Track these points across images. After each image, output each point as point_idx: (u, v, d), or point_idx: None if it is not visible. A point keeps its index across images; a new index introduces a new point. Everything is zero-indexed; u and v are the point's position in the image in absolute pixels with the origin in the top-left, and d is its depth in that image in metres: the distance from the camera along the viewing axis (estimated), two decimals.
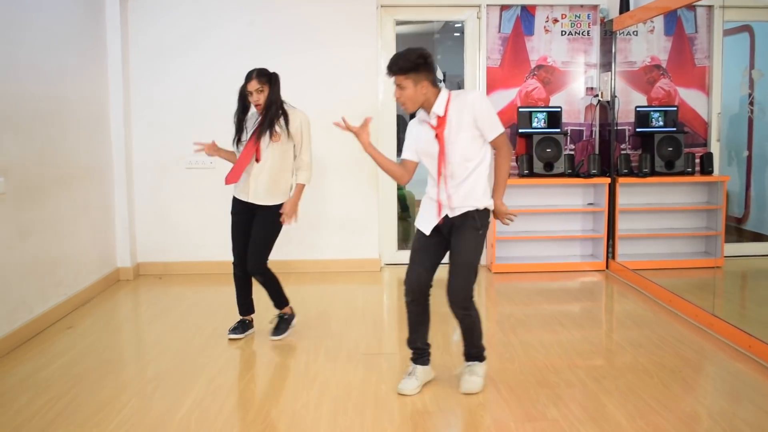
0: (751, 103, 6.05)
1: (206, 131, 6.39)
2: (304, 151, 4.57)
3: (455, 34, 7.15)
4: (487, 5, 6.57)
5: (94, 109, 5.90)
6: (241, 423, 3.37)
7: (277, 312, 4.77)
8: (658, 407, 3.47)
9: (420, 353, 3.84)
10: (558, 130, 6.54)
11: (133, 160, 6.43)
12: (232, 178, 4.49)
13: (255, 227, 4.51)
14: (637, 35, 6.61)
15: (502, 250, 6.61)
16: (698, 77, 6.58)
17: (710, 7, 6.43)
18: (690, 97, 6.59)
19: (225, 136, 6.35)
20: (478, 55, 6.66)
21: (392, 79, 3.58)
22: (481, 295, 5.97)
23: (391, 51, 6.61)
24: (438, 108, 3.55)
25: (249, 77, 4.43)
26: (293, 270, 6.41)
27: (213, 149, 4.62)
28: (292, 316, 4.80)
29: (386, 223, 6.77)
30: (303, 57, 6.42)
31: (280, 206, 4.52)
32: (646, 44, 6.62)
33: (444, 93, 3.58)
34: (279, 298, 4.72)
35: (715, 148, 6.45)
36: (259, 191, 4.48)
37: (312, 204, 6.49)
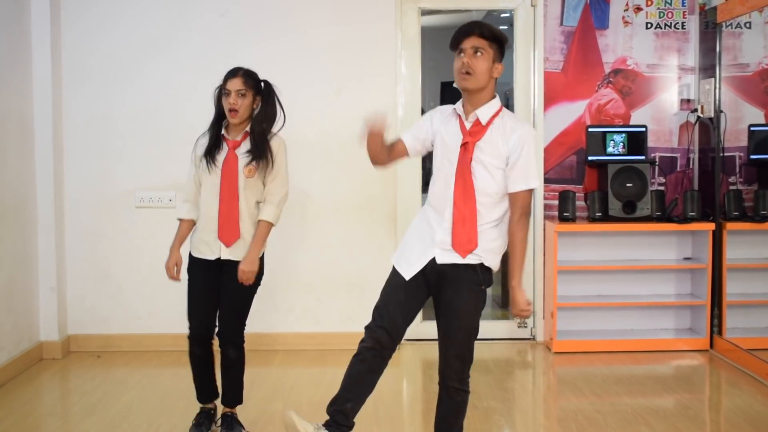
0: None
1: (164, 157, 6.45)
2: (278, 180, 4.56)
3: (502, 28, 7.15)
4: None
5: (12, 127, 5.93)
6: None
7: (225, 410, 4.71)
8: None
9: (342, 420, 3.83)
10: (642, 157, 6.53)
11: (65, 195, 6.45)
12: (232, 235, 4.48)
13: (230, 288, 4.50)
14: (750, 28, 6.61)
15: (566, 321, 6.56)
16: None
17: None
18: None
19: (187, 165, 6.39)
20: (533, 55, 6.68)
21: (465, 43, 3.63)
22: (536, 383, 5.91)
23: (415, 49, 6.64)
24: (484, 112, 3.64)
25: (233, 73, 4.47)
26: (280, 347, 6.37)
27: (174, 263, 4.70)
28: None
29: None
30: (298, 60, 6.44)
31: (260, 259, 4.53)
32: (763, 40, 6.63)
33: (497, 101, 3.70)
34: (240, 390, 4.71)
35: None
36: (237, 244, 4.49)
37: (306, 257, 6.46)
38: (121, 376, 5.91)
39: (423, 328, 6.70)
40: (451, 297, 3.69)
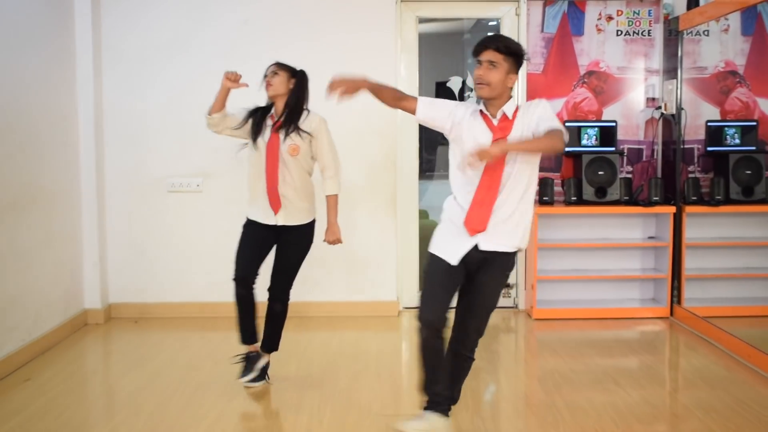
0: None
1: (191, 148, 6.49)
2: (328, 154, 4.72)
3: (489, 34, 7.20)
4: (528, 0, 6.64)
5: (60, 121, 5.96)
6: None
7: (252, 351, 4.81)
8: None
9: (439, 400, 3.82)
10: (612, 149, 6.55)
11: (106, 181, 6.48)
12: (275, 202, 4.60)
13: (285, 251, 4.69)
14: (708, 35, 6.63)
15: (545, 292, 6.61)
16: None
17: None
18: None
19: (215, 154, 6.46)
20: None
21: (482, 56, 3.63)
22: (519, 346, 5.97)
23: (413, 53, 6.67)
24: (509, 108, 3.68)
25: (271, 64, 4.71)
26: (293, 314, 6.35)
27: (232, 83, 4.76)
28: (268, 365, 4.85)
29: (406, 259, 6.77)
30: (307, 60, 6.43)
31: (310, 224, 4.72)
32: (719, 46, 6.64)
33: (514, 100, 3.75)
34: (277, 338, 4.82)
35: None
36: (289, 211, 4.62)
37: (317, 235, 6.51)
38: (155, 339, 5.96)
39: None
40: (483, 279, 3.71)
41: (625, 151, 6.75)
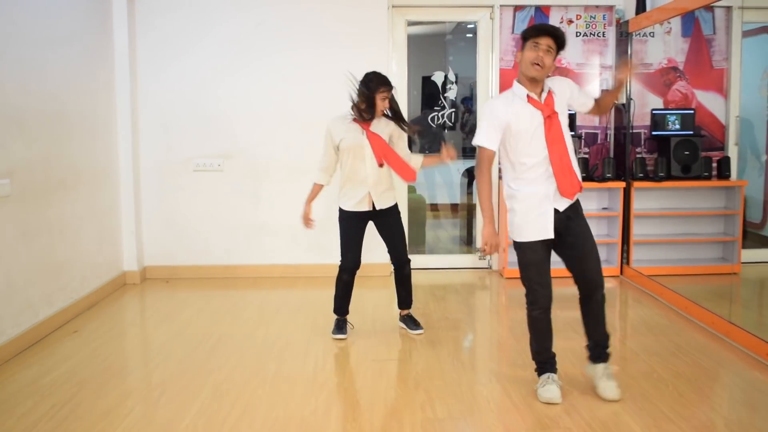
0: None
1: (213, 133, 6.47)
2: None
3: (468, 35, 7.14)
4: (501, 6, 6.57)
5: (100, 110, 5.93)
6: (248, 430, 3.37)
7: (405, 312, 4.96)
8: (673, 416, 3.45)
9: (554, 361, 3.80)
10: (572, 133, 6.47)
11: (140, 162, 6.46)
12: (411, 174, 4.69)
13: (393, 227, 4.75)
14: (653, 37, 6.60)
15: (514, 254, 6.55)
16: (716, 80, 6.56)
17: (729, 8, 6.40)
18: (707, 99, 6.57)
19: (234, 138, 6.44)
20: (491, 56, 6.66)
21: (541, 40, 3.51)
22: (492, 301, 5.97)
23: (403, 52, 6.63)
24: (549, 86, 3.63)
25: (386, 83, 4.55)
26: (302, 274, 6.43)
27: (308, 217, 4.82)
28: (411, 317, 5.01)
29: None
30: (312, 57, 6.43)
31: (396, 205, 4.76)
32: (662, 46, 6.60)
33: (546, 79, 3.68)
34: (412, 295, 4.96)
35: (732, 152, 6.42)
36: (384, 196, 4.67)
37: (321, 207, 6.50)
38: (183, 296, 5.96)
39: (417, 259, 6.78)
40: (578, 230, 3.70)
41: (583, 135, 6.74)
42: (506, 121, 3.56)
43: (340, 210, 4.72)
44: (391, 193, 4.71)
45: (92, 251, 5.70)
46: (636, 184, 6.38)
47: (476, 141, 3.61)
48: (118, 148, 6.25)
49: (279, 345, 4.67)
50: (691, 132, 6.42)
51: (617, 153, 6.66)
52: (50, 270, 5.00)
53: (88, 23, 5.72)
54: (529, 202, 3.62)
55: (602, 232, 6.75)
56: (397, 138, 4.69)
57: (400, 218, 4.79)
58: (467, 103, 7.09)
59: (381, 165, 4.57)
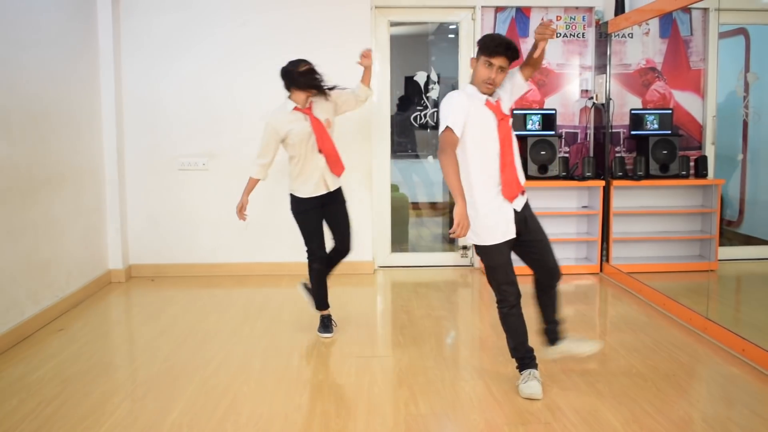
0: (746, 106, 6.08)
1: (198, 132, 6.45)
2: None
3: (450, 36, 7.16)
4: (482, 7, 6.59)
5: (85, 109, 5.89)
6: (233, 426, 3.38)
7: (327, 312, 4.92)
8: (652, 411, 3.49)
9: (532, 356, 3.84)
10: (552, 132, 6.55)
11: (125, 160, 6.42)
12: (337, 166, 4.70)
13: (340, 212, 4.73)
14: (632, 38, 6.64)
15: None
16: (693, 80, 6.61)
17: (706, 10, 6.46)
18: (685, 99, 6.62)
19: (219, 137, 6.42)
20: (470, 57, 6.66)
21: (496, 60, 3.56)
22: (474, 298, 5.99)
23: (386, 52, 6.63)
24: (499, 92, 3.69)
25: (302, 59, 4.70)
26: (285, 272, 6.42)
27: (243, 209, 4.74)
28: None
29: (380, 225, 6.78)
30: (298, 56, 6.41)
31: (341, 189, 4.76)
32: (641, 47, 6.65)
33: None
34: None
35: (709, 151, 6.48)
36: (333, 178, 4.69)
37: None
38: (169, 294, 5.94)
39: (392, 258, 6.80)
40: (533, 226, 3.77)
41: (563, 134, 6.77)
42: (468, 112, 3.56)
43: (297, 200, 4.63)
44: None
45: (77, 249, 5.67)
46: (615, 182, 6.41)
47: (446, 122, 3.51)
48: (103, 147, 6.21)
49: (264, 342, 4.67)
50: (669, 131, 6.47)
51: (597, 152, 6.70)
52: (36, 268, 4.97)
53: (73, 23, 5.69)
54: (491, 206, 3.65)
55: (582, 230, 6.79)
56: (342, 102, 4.81)
57: (346, 206, 4.79)
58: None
59: (320, 152, 4.57)
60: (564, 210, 6.73)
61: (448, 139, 3.50)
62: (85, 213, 5.82)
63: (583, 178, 6.47)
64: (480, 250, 3.73)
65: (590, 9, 6.68)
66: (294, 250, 6.49)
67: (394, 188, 7.20)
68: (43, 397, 3.72)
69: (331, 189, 4.64)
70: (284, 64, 4.69)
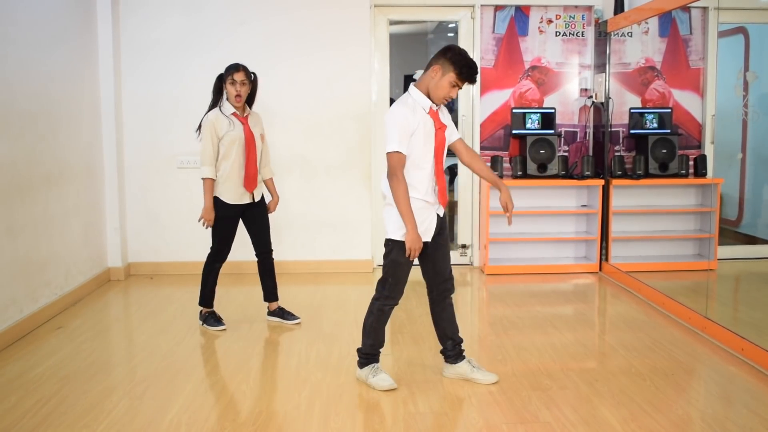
0: (746, 105, 6.08)
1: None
2: (267, 145, 4.94)
3: (449, 35, 7.17)
4: (481, 5, 6.59)
5: (85, 107, 5.88)
6: (232, 424, 3.37)
7: (275, 305, 5.06)
8: (650, 410, 3.48)
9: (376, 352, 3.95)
10: (552, 131, 6.55)
11: (124, 159, 6.41)
12: (255, 184, 4.77)
13: (263, 219, 4.86)
14: (631, 36, 6.64)
15: (495, 251, 6.63)
16: (692, 79, 6.61)
17: (705, 9, 6.46)
18: (684, 98, 6.62)
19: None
20: (472, 55, 6.64)
21: (462, 83, 3.65)
22: (473, 297, 5.99)
23: (385, 51, 6.63)
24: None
25: (237, 68, 4.61)
26: (285, 271, 6.40)
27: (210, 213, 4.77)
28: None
29: (379, 224, 6.76)
30: (296, 56, 6.42)
31: (263, 197, 4.92)
32: (640, 46, 6.65)
33: None
34: (276, 285, 5.12)
35: (709, 150, 6.48)
36: (259, 188, 4.83)
37: (304, 204, 6.50)
38: (167, 292, 5.93)
39: None
40: (443, 235, 3.79)
41: (563, 133, 6.76)
42: (414, 128, 3.59)
43: (221, 204, 4.69)
44: (262, 185, 4.87)
45: (76, 247, 5.66)
46: (614, 181, 6.41)
47: (392, 147, 3.55)
48: (102, 145, 6.20)
49: (262, 340, 4.67)
50: (669, 130, 6.47)
51: (596, 151, 6.69)
52: (34, 266, 4.96)
53: (73, 22, 5.68)
54: (418, 205, 3.64)
55: (581, 229, 6.79)
56: (264, 136, 4.88)
57: (267, 210, 4.92)
58: (449, 102, 7.10)
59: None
60: (563, 209, 6.72)
61: (398, 162, 3.56)
62: (84, 211, 5.82)
63: (583, 177, 6.47)
64: (394, 243, 3.69)
65: (589, 8, 6.67)
66: (291, 249, 6.52)
67: None
68: (42, 394, 3.72)
69: (257, 200, 4.83)
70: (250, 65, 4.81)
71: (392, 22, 6.76)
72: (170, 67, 6.40)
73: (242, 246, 6.60)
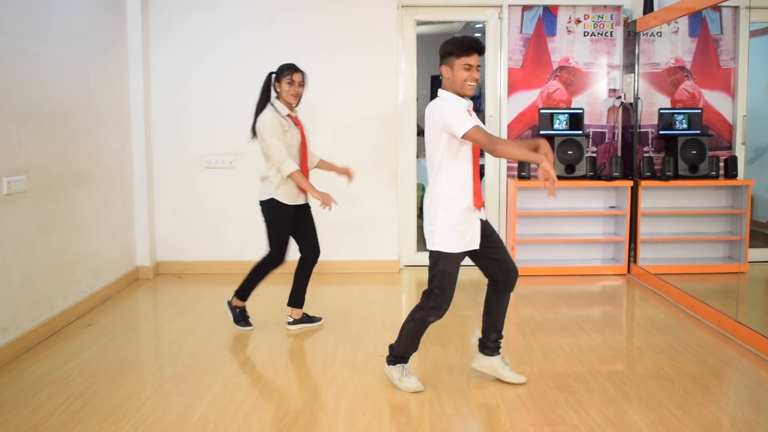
0: None
1: (225, 131, 6.49)
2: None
3: (476, 35, 7.13)
4: (509, 5, 6.57)
5: (115, 107, 5.95)
6: (258, 423, 3.39)
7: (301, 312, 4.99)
8: (679, 414, 3.45)
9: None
10: (580, 132, 6.50)
11: (153, 159, 6.47)
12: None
13: (311, 219, 4.84)
14: (661, 36, 6.57)
15: (523, 252, 6.60)
16: (723, 79, 6.53)
17: (736, 8, 6.37)
18: (715, 99, 6.54)
19: (246, 136, 6.44)
20: (500, 55, 6.65)
21: (472, 58, 3.50)
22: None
23: (412, 52, 6.63)
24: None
25: (296, 68, 4.58)
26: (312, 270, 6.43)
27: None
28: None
29: (405, 224, 6.78)
30: (323, 57, 6.44)
31: None
32: (670, 45, 6.58)
33: None
34: None
35: (740, 151, 6.40)
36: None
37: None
38: (195, 291, 5.98)
39: (417, 257, 6.79)
40: (493, 234, 3.76)
41: (591, 133, 6.72)
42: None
43: (279, 205, 4.62)
44: None
45: (106, 246, 5.73)
46: (643, 183, 6.36)
47: (466, 127, 3.39)
48: (131, 145, 6.27)
49: (289, 340, 4.68)
50: (699, 131, 6.40)
51: (625, 152, 6.64)
52: (65, 264, 5.02)
53: (103, 22, 5.74)
54: (459, 213, 3.59)
55: (609, 231, 6.73)
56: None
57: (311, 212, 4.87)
58: (476, 102, 7.09)
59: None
60: (591, 210, 6.68)
61: (480, 134, 3.41)
62: (113, 210, 5.88)
63: (611, 178, 6.42)
64: (440, 256, 3.63)
65: (618, 7, 6.63)
66: (322, 248, 6.53)
67: (420, 188, 7.20)
68: (72, 391, 3.76)
69: (307, 201, 4.79)
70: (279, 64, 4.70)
71: (419, 23, 6.75)
72: (199, 65, 6.45)
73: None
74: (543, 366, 4.14)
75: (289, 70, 4.57)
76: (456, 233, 3.59)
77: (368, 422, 3.39)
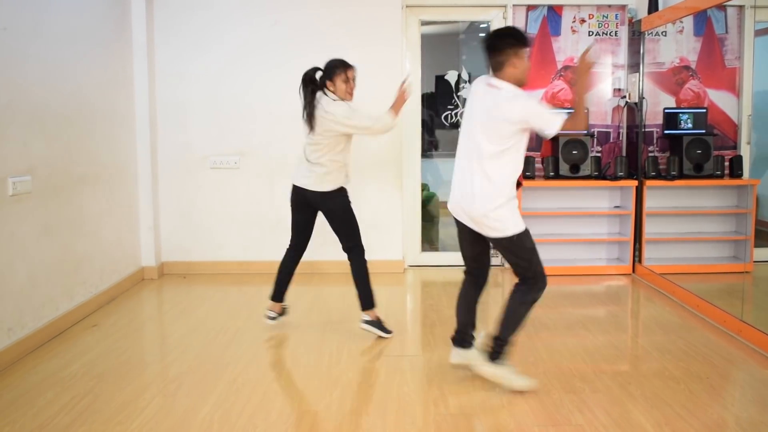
0: None
1: (229, 132, 6.49)
2: None
3: (481, 35, 7.13)
4: (513, 5, 6.56)
5: (119, 108, 5.95)
6: (263, 423, 3.39)
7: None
8: (684, 414, 3.44)
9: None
10: (585, 131, 6.49)
11: (158, 159, 6.48)
12: None
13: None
14: (665, 36, 6.56)
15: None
16: (728, 78, 6.52)
17: (741, 7, 6.37)
18: (720, 98, 6.53)
19: (250, 136, 6.45)
20: None
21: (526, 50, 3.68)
22: (504, 298, 5.95)
23: (416, 51, 6.62)
24: None
25: (350, 65, 4.67)
26: (317, 271, 6.43)
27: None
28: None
29: (410, 224, 6.77)
30: (327, 56, 6.42)
31: None
32: (675, 45, 6.57)
33: None
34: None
35: (745, 150, 6.39)
36: None
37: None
38: (200, 292, 5.98)
39: (422, 257, 6.79)
40: None
41: (595, 133, 6.71)
42: None
43: (343, 192, 4.63)
44: None
45: (111, 247, 5.73)
46: (648, 182, 6.35)
47: (558, 122, 3.61)
48: (136, 146, 6.27)
49: (294, 340, 4.68)
50: (704, 131, 6.38)
51: (629, 151, 6.63)
52: (70, 265, 5.03)
53: (108, 22, 5.75)
54: (514, 204, 3.71)
55: (614, 231, 6.72)
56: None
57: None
58: None
59: None
60: (596, 210, 6.67)
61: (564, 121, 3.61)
62: (118, 211, 5.88)
63: (616, 178, 6.41)
64: (519, 236, 3.71)
65: (623, 7, 6.61)
66: (323, 249, 6.52)
67: (424, 187, 7.19)
68: (77, 391, 3.76)
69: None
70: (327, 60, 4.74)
71: (424, 23, 6.74)
72: (204, 65, 6.45)
73: (273, 246, 6.63)
74: (548, 366, 4.13)
75: (342, 67, 4.58)
76: (518, 212, 3.72)
77: (373, 422, 3.39)
